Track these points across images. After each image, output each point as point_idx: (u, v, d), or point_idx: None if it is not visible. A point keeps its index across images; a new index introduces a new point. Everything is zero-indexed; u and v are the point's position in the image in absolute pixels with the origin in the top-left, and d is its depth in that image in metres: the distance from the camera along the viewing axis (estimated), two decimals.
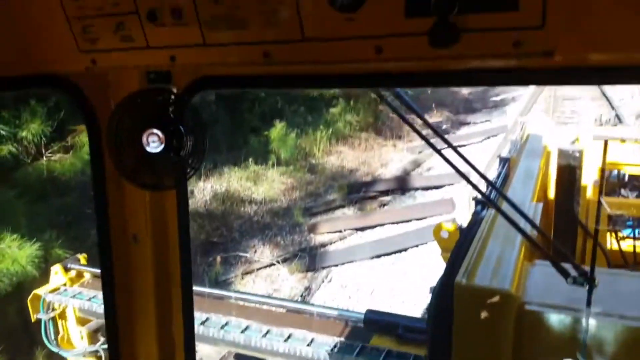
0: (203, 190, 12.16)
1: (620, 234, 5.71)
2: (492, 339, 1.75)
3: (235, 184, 12.77)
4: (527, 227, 1.96)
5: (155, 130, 1.81)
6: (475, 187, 1.88)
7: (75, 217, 8.45)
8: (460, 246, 2.39)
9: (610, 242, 5.63)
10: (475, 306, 1.77)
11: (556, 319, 1.73)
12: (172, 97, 1.87)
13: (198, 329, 4.66)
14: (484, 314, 1.74)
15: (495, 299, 1.72)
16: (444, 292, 2.01)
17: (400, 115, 1.91)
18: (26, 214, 6.84)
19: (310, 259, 10.68)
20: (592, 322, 1.66)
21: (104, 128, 1.91)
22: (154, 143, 1.83)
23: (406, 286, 8.46)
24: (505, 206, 2.05)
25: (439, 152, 1.92)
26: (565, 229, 4.15)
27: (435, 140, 1.88)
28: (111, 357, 2.10)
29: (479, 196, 3.76)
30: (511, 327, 1.79)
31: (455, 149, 1.96)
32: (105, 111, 1.89)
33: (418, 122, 1.98)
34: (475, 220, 2.76)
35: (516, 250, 2.19)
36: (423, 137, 1.99)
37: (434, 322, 2.05)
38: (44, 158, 8.83)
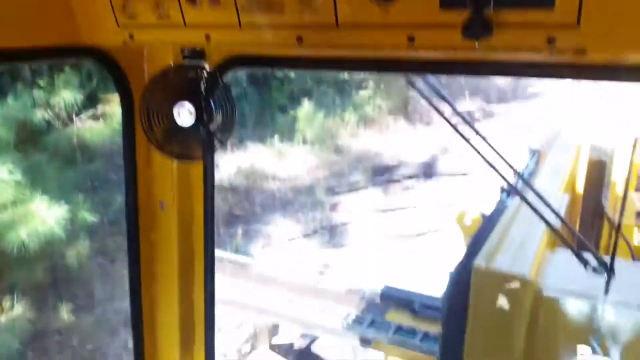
0: (227, 165, 12.27)
1: None
2: (507, 323, 1.76)
3: (259, 160, 12.85)
4: (552, 217, 1.95)
5: (186, 104, 1.85)
6: (501, 175, 1.88)
7: (101, 182, 8.63)
8: (482, 231, 2.39)
9: (637, 236, 5.54)
10: (492, 290, 1.78)
11: (572, 306, 1.73)
12: (205, 73, 1.90)
13: (223, 293, 4.83)
14: (500, 298, 1.74)
15: (512, 284, 1.73)
16: (462, 274, 2.03)
17: (430, 103, 1.91)
18: (55, 177, 7.01)
19: (331, 236, 10.77)
20: (609, 311, 1.66)
21: (137, 100, 1.96)
22: (184, 116, 1.88)
23: (425, 268, 8.47)
24: (531, 196, 2.04)
25: (467, 140, 1.92)
26: (592, 222, 4.11)
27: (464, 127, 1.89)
28: (132, 319, 2.17)
29: (506, 185, 3.76)
30: (526, 312, 1.80)
31: (484, 138, 1.96)
32: (139, 84, 1.93)
33: (448, 109, 1.98)
34: (500, 208, 2.76)
35: (538, 238, 2.19)
36: (452, 126, 1.99)
37: (449, 303, 2.07)
38: (75, 125, 9.01)
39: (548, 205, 1.79)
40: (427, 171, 14.55)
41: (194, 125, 1.80)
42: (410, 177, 14.21)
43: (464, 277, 1.98)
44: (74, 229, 6.54)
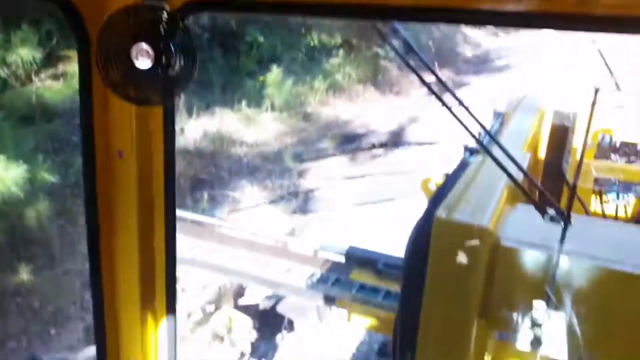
0: (193, 129, 12.05)
1: (605, 198, 5.82)
2: (465, 273, 1.79)
3: (226, 125, 12.65)
4: (514, 172, 1.98)
5: (144, 46, 1.77)
6: (468, 130, 1.89)
7: (62, 143, 8.37)
8: (444, 187, 2.41)
9: (595, 205, 5.74)
10: (452, 240, 1.80)
11: (529, 256, 1.77)
12: (165, 15, 1.83)
13: (188, 253, 4.81)
14: (459, 248, 1.76)
15: (472, 233, 1.75)
16: (423, 227, 2.04)
17: (397, 53, 1.88)
18: (13, 136, 6.77)
19: (298, 202, 10.79)
20: (564, 261, 1.69)
21: (93, 41, 1.87)
22: (142, 58, 1.81)
23: (391, 233, 8.61)
24: (495, 154, 2.06)
25: (435, 94, 1.92)
26: (553, 184, 4.21)
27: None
28: (91, 275, 2.11)
29: (469, 144, 3.80)
30: (485, 262, 1.83)
31: (452, 92, 1.95)
32: (96, 25, 1.84)
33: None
34: (462, 166, 2.78)
35: (499, 194, 2.21)
36: (420, 77, 1.97)
37: (410, 256, 2.09)
38: (33, 84, 8.66)
39: (512, 159, 1.82)
40: (396, 140, 14.65)
41: (152, 68, 1.74)
42: (378, 145, 14.28)
43: (425, 230, 2.00)
44: (33, 188, 6.36)
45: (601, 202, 5.57)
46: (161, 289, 2.13)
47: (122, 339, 2.19)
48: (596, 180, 5.51)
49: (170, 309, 2.16)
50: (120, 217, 2.00)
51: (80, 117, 1.95)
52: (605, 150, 6.69)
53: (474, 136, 1.97)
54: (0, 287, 6.42)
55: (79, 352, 6.06)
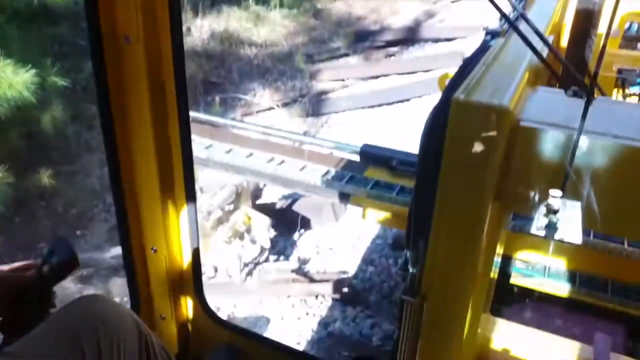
0: (200, 29, 11.67)
1: (627, 90, 5.64)
2: (483, 156, 1.74)
3: (234, 24, 12.22)
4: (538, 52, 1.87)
5: None
6: (495, 5, 1.76)
7: (69, 48, 8.20)
8: (462, 70, 2.30)
9: (616, 97, 5.57)
10: (469, 121, 1.74)
11: (550, 135, 1.71)
12: None
13: (203, 153, 4.85)
14: (477, 130, 1.71)
15: (491, 114, 1.68)
16: (440, 113, 1.97)
17: None
18: (18, 40, 6.62)
19: (311, 104, 10.65)
20: (585, 140, 1.64)
21: None
22: None
23: (405, 133, 8.56)
24: (516, 37, 1.93)
25: None
26: (575, 69, 4.07)
27: None
28: (110, 166, 2.12)
29: (490, 27, 3.61)
30: (503, 143, 1.77)
31: None
32: None
33: None
34: (482, 49, 2.65)
35: (520, 75, 2.12)
36: None
37: (426, 142, 2.04)
38: None
39: (538, 34, 1.70)
40: (412, 36, 14.10)
41: None
42: (393, 43, 13.79)
43: (442, 116, 1.92)
44: (45, 93, 6.33)
45: (623, 93, 5.41)
46: (179, 179, 2.15)
47: (145, 230, 2.25)
48: (619, 71, 5.31)
49: (190, 197, 2.19)
50: (133, 105, 1.99)
51: (85, 5, 1.87)
52: (631, 39, 6.39)
53: (502, 13, 1.83)
54: (23, 191, 6.60)
55: (105, 251, 6.35)
